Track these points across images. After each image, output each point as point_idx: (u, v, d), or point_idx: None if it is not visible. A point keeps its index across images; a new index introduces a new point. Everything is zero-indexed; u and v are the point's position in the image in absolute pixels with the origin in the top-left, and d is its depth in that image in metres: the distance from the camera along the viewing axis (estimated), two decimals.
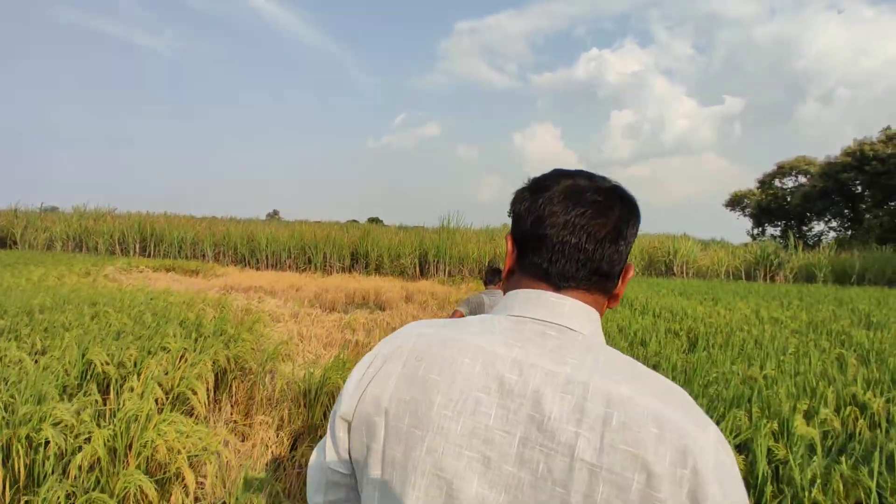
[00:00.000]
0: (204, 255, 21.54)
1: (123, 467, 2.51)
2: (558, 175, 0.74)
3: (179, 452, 2.44)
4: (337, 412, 0.71)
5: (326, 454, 0.72)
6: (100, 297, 6.87)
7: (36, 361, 3.71)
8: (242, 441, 3.54)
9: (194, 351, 4.05)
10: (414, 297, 13.82)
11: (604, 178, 0.74)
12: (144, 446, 2.53)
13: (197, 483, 2.51)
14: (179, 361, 3.84)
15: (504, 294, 0.76)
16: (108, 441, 2.58)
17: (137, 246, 21.56)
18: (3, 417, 2.58)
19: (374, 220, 43.92)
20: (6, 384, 3.00)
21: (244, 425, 3.83)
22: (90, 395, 3.19)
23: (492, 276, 4.37)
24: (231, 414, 3.86)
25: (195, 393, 3.28)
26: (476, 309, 3.84)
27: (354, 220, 37.92)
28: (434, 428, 0.63)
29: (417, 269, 21.12)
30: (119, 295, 7.39)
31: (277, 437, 3.55)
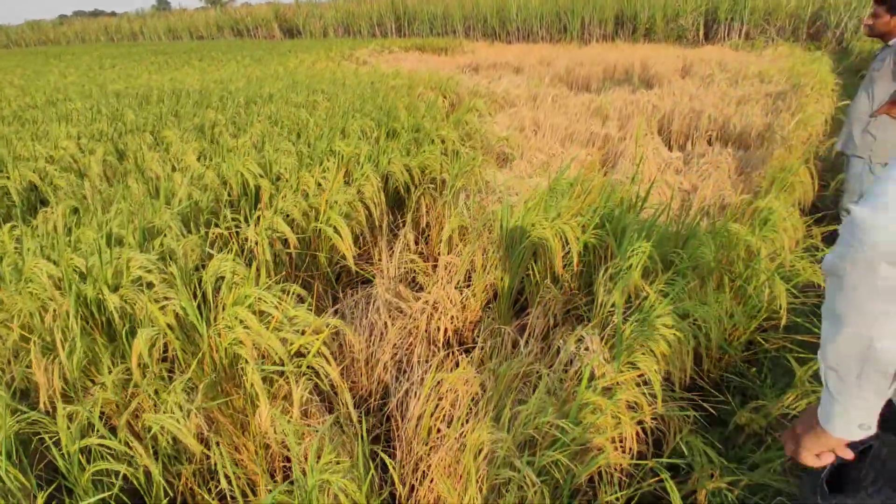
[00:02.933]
0: (454, 31, 20.46)
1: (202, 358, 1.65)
2: None
3: (248, 362, 1.44)
4: None
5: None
6: (321, 84, 6.36)
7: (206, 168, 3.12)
8: (420, 292, 2.50)
9: (368, 160, 2.97)
10: (694, 69, 10.65)
11: None
12: (220, 336, 1.59)
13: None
14: (344, 173, 2.82)
15: None
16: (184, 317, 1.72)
17: (393, 26, 21.51)
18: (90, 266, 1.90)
19: None
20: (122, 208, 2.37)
21: (430, 263, 2.78)
22: (221, 224, 2.41)
23: None
24: (412, 248, 2.80)
25: (338, 233, 2.23)
26: None
27: None
28: None
29: (701, 30, 16.52)
30: (343, 79, 6.80)
31: (461, 294, 2.40)
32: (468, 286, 2.47)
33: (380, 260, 2.71)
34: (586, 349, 1.60)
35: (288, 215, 2.28)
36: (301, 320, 1.60)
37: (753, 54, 12.12)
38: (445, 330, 2.33)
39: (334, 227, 2.22)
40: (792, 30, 15.54)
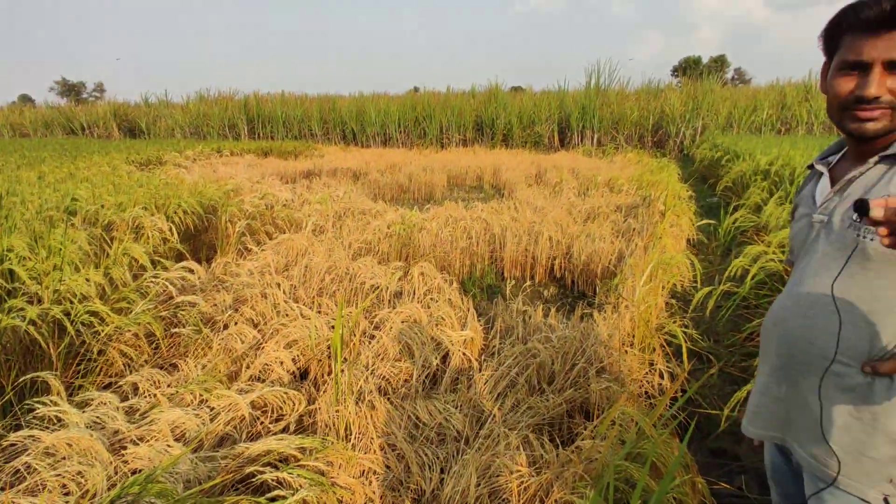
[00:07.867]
0: (313, 134, 19.19)
1: None
2: None
3: None
4: None
5: None
6: None
7: None
8: None
9: None
10: (546, 177, 9.75)
11: None
12: None
13: None
14: None
15: None
16: None
17: (246, 128, 19.84)
18: None
19: (516, 90, 38.03)
20: None
21: None
22: None
23: None
24: None
25: None
26: None
27: None
28: None
29: (556, 137, 16.55)
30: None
31: None
32: None
33: None
34: None
35: None
36: None
37: (605, 160, 11.74)
38: None
39: None
40: (638, 137, 15.97)
